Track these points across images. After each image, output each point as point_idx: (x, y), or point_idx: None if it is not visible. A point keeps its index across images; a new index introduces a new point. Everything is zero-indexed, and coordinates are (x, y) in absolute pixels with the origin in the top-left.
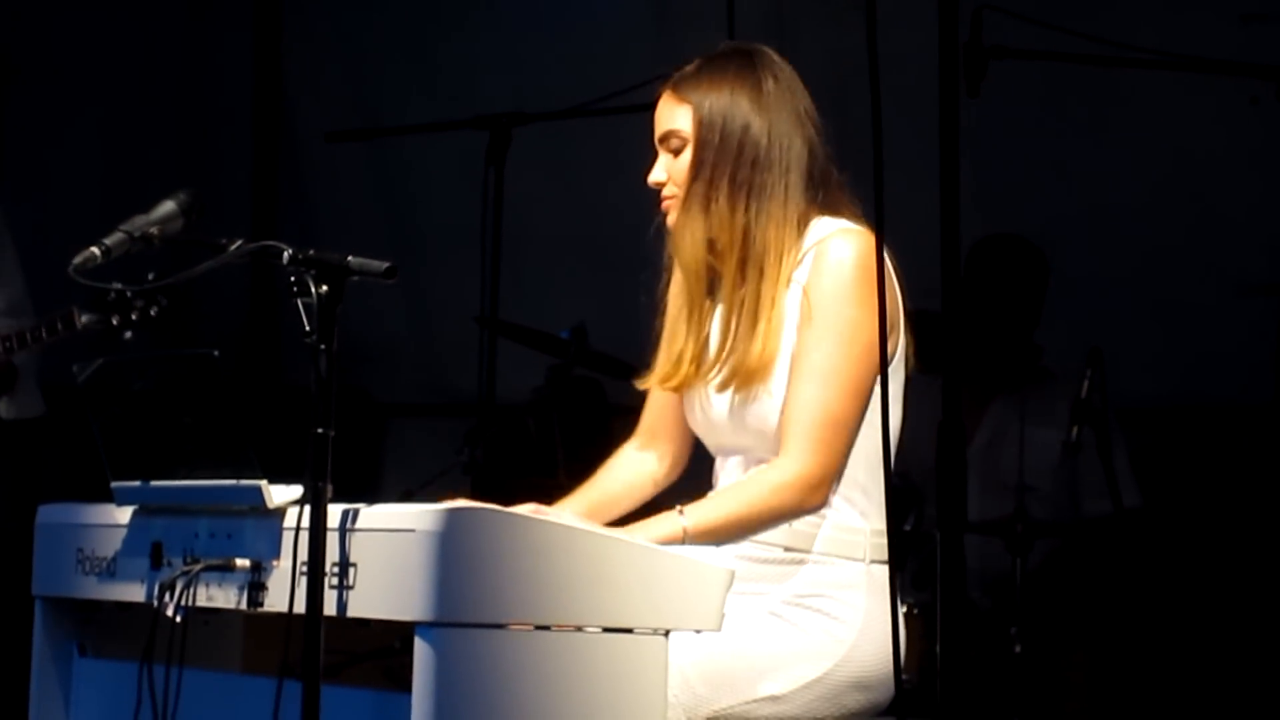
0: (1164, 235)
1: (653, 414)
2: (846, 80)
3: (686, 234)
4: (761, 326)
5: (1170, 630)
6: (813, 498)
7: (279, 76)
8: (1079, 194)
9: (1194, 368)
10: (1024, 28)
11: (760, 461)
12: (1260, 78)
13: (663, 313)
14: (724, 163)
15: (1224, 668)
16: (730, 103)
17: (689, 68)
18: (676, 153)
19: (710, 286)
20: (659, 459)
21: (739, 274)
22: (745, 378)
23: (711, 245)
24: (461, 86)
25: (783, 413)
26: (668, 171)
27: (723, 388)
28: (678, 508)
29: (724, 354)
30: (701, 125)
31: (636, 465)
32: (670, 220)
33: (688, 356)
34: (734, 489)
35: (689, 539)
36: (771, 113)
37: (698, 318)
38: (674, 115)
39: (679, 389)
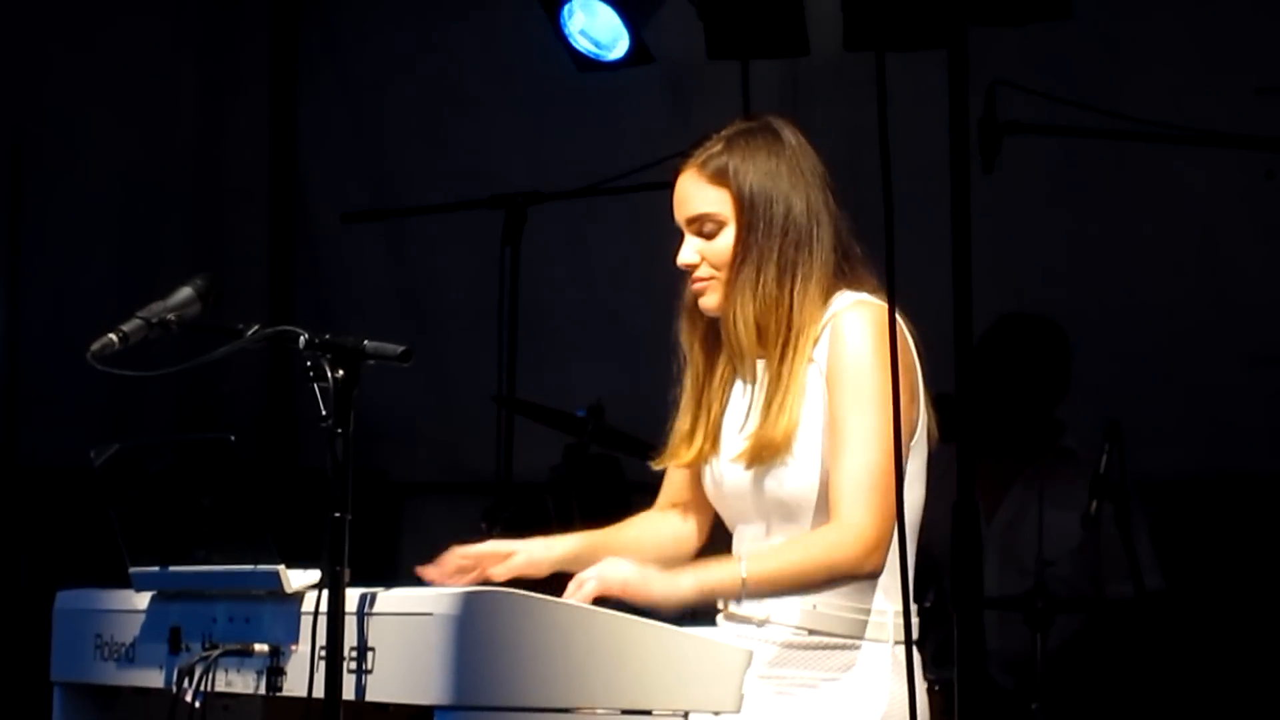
0: (1181, 308)
1: (671, 489)
2: (861, 156)
3: (739, 320)
4: (786, 400)
5: (1194, 709)
6: (870, 559)
7: (294, 158)
8: (1095, 268)
9: (1213, 440)
10: (1039, 103)
11: (780, 532)
12: (1275, 151)
13: (682, 386)
14: (770, 245)
15: None
16: (770, 183)
17: (714, 147)
18: (709, 235)
19: (715, 361)
20: (680, 524)
21: (780, 352)
22: (770, 451)
23: (731, 328)
24: (476, 166)
25: (830, 484)
26: (700, 254)
27: (746, 462)
28: (736, 556)
29: (748, 428)
30: (743, 208)
31: (653, 525)
32: (706, 302)
33: (702, 432)
34: (792, 544)
35: (747, 588)
36: (807, 189)
37: (717, 394)
38: (707, 198)
39: (693, 464)
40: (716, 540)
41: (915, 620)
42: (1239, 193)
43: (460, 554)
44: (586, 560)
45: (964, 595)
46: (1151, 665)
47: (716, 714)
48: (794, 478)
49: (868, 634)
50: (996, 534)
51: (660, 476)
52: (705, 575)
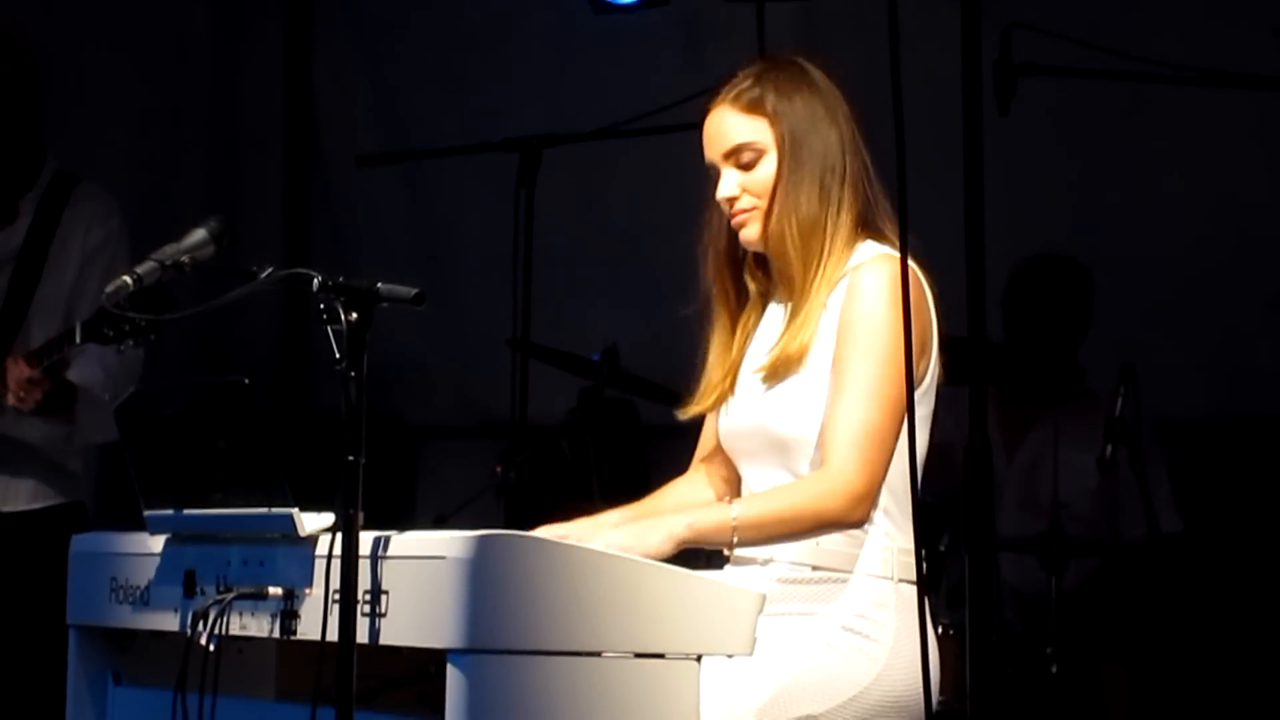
0: (1198, 250)
1: (706, 444)
2: (875, 98)
3: (786, 242)
4: (807, 320)
5: (1209, 651)
6: (856, 510)
7: (310, 101)
8: (1111, 211)
9: (1230, 383)
10: (1054, 45)
11: (777, 473)
12: None
13: (709, 336)
14: (813, 169)
15: (1264, 693)
16: (806, 111)
17: (744, 82)
18: (748, 166)
19: (745, 309)
20: (711, 484)
21: (806, 276)
22: (784, 366)
23: (781, 251)
24: (491, 108)
25: (824, 428)
26: (740, 185)
27: (765, 374)
28: (727, 500)
29: (773, 346)
30: (783, 135)
31: (688, 490)
32: (748, 234)
33: (729, 377)
34: (781, 490)
35: (737, 532)
36: (839, 123)
37: (739, 339)
38: (744, 128)
39: (715, 406)
40: None
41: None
42: (1257, 134)
43: None
44: None
45: (976, 537)
46: (1166, 608)
47: (730, 656)
48: (796, 415)
49: (870, 570)
50: (1018, 475)
51: (679, 423)
52: (698, 517)
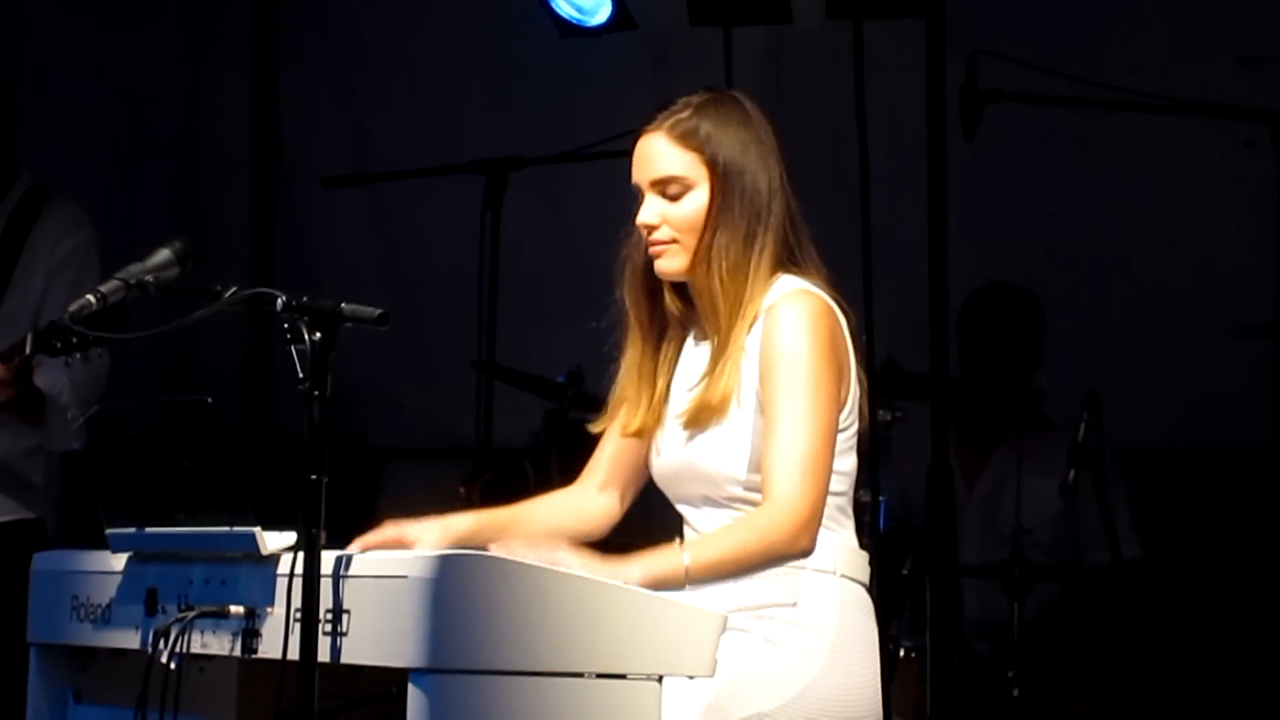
0: (1161, 278)
1: (595, 462)
2: (843, 122)
3: (712, 284)
4: (727, 366)
5: (1169, 677)
6: (802, 538)
7: (276, 122)
8: (1076, 237)
9: (1190, 410)
10: (1020, 72)
11: (724, 506)
12: (1256, 121)
13: (622, 350)
14: (741, 214)
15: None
16: (741, 153)
17: (682, 112)
18: (674, 198)
19: (664, 329)
20: (592, 500)
21: (730, 321)
22: (706, 413)
23: (708, 291)
24: (457, 131)
25: (763, 463)
26: (661, 216)
27: (685, 420)
28: (678, 544)
29: (695, 389)
30: (716, 175)
31: (561, 501)
32: (664, 265)
33: (648, 402)
34: (728, 530)
35: (690, 576)
36: (769, 164)
37: (664, 365)
38: (676, 160)
39: (639, 434)
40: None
41: (869, 560)
42: (1220, 162)
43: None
44: (485, 539)
45: (937, 562)
46: (1128, 634)
47: (691, 678)
48: (721, 454)
49: (811, 564)
50: (978, 503)
51: None
52: (651, 564)
